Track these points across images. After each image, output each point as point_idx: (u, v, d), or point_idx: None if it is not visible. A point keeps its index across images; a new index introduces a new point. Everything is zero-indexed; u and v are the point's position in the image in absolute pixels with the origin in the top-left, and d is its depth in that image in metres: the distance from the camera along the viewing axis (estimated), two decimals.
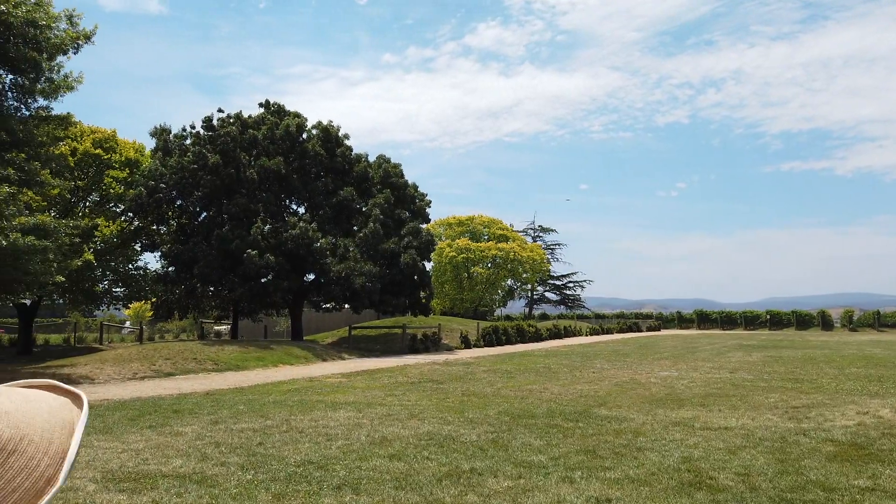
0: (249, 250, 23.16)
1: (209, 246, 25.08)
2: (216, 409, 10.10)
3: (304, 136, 27.59)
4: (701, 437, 7.52)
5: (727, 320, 61.46)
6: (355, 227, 27.41)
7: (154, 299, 27.48)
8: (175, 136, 26.24)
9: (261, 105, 28.32)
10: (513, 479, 5.74)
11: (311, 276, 26.94)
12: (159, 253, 25.67)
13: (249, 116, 27.44)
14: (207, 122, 25.98)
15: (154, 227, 26.49)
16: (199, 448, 7.16)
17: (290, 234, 24.10)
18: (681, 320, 62.60)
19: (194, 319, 35.03)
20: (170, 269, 25.57)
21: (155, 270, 26.44)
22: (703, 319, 62.00)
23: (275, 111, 28.00)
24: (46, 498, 0.85)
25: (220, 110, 26.53)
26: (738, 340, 34.67)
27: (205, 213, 26.67)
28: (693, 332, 53.56)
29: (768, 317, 60.71)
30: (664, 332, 53.79)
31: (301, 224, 24.35)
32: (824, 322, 58.24)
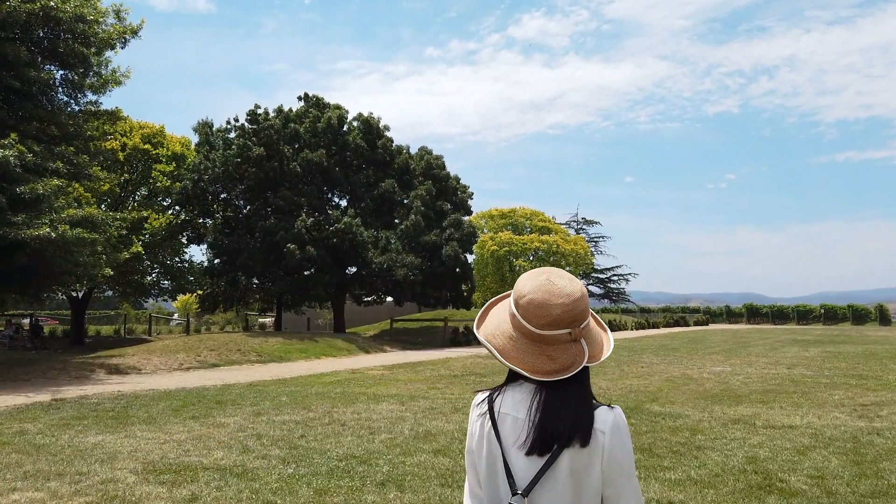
0: (290, 245, 23.24)
1: (253, 239, 25.29)
2: (259, 401, 10.03)
3: (345, 128, 27.56)
4: (765, 436, 7.05)
5: (778, 315, 59.50)
6: (396, 220, 27.29)
7: (200, 292, 27.92)
8: (218, 130, 26.52)
9: (299, 98, 28.38)
10: None
11: (353, 269, 26.95)
12: (205, 245, 26.01)
13: (290, 110, 27.54)
14: (252, 115, 26.18)
15: (199, 220, 26.87)
16: (240, 440, 7.04)
17: (334, 228, 24.11)
18: (729, 315, 60.89)
19: (238, 312, 35.53)
20: (215, 261, 25.88)
21: (200, 263, 26.84)
22: (753, 314, 60.17)
23: (313, 104, 28.02)
24: None
25: (257, 106, 26.66)
26: (792, 335, 33.41)
27: (249, 206, 26.91)
28: (743, 326, 52.00)
29: (822, 311, 58.55)
30: (712, 326, 52.38)
31: (346, 219, 24.33)
32: (882, 316, 55.84)
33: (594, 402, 1.49)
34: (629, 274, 68.51)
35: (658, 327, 46.29)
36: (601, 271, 67.32)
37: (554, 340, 1.47)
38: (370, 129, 27.68)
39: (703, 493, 4.96)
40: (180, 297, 38.93)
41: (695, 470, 5.62)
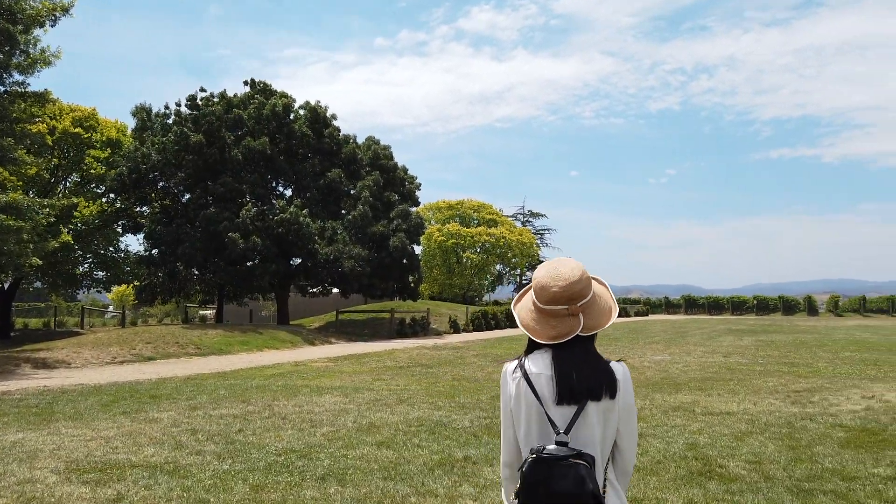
0: (232, 234, 22.58)
1: (194, 228, 24.49)
2: (196, 395, 9.66)
3: (291, 116, 26.93)
4: (704, 423, 7.18)
5: (714, 305, 61.50)
6: (343, 210, 26.89)
7: (137, 283, 26.86)
8: (157, 115, 25.49)
9: (246, 84, 27.61)
10: None
11: (299, 260, 26.42)
12: (141, 235, 25.03)
13: (235, 95, 26.73)
14: (191, 100, 25.27)
15: (136, 209, 25.83)
16: (174, 435, 6.73)
17: (278, 217, 23.54)
18: (668, 306, 62.61)
19: (178, 304, 34.41)
20: (152, 251, 24.93)
21: (137, 253, 25.81)
22: (691, 305, 62.03)
23: (261, 90, 27.30)
24: None
25: (202, 89, 25.80)
26: (727, 325, 34.58)
27: (189, 195, 26.02)
28: (681, 317, 53.55)
29: (755, 302, 60.81)
30: (652, 317, 53.76)
31: (291, 209, 23.79)
32: (810, 307, 58.43)
33: (601, 357, 1.91)
34: None
35: None
36: None
37: (555, 314, 1.90)
38: (317, 117, 27.14)
39: (646, 480, 4.98)
40: (116, 289, 37.47)
41: (637, 458, 5.64)
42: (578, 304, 1.89)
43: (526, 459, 1.82)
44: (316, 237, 24.49)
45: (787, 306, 59.03)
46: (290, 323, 27.46)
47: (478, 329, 29.53)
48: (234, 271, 23.63)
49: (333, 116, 27.79)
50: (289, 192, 27.57)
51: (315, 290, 28.89)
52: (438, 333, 27.17)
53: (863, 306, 57.46)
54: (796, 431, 6.64)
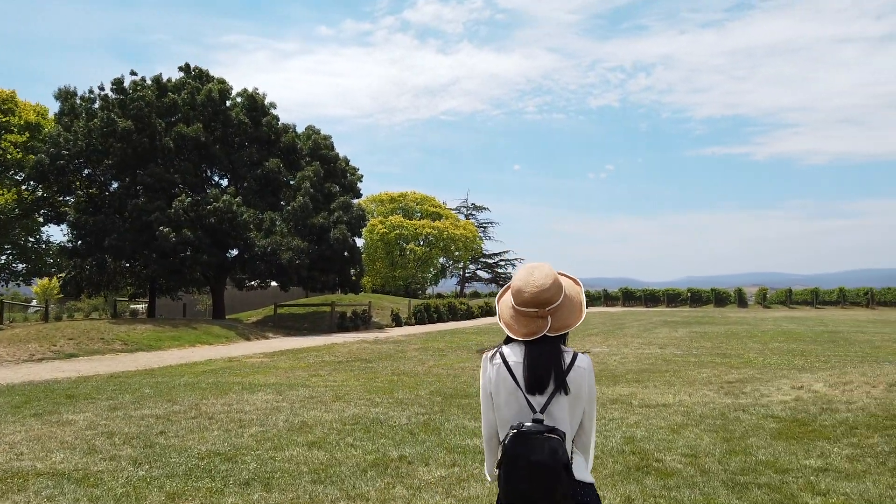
0: (162, 227, 21.62)
1: (122, 219, 23.36)
2: (118, 394, 9.11)
3: (228, 103, 25.98)
4: (641, 416, 7.19)
5: (650, 298, 63.20)
6: (282, 201, 26.17)
7: (63, 275, 25.48)
8: (82, 98, 24.13)
9: (181, 69, 26.43)
10: (446, 468, 5.18)
11: (235, 252, 25.59)
12: (65, 225, 23.70)
13: (169, 80, 25.57)
14: (118, 84, 23.98)
15: (59, 198, 24.46)
16: (87, 439, 6.26)
17: (212, 206, 22.68)
18: (606, 298, 63.97)
19: (106, 298, 32.90)
20: (78, 242, 23.66)
21: (60, 243, 24.45)
22: (628, 297, 63.56)
23: (196, 76, 26.21)
24: None
25: (133, 73, 24.55)
26: (663, 317, 35.51)
27: (117, 184, 24.81)
28: (619, 309, 54.80)
29: (689, 294, 62.78)
30: (591, 309, 54.80)
31: (225, 197, 22.95)
32: (740, 299, 60.75)
33: (571, 350, 2.18)
34: (516, 259, 70.39)
35: None
36: (489, 256, 68.66)
37: (527, 314, 2.17)
38: (255, 105, 26.27)
39: None
40: (39, 282, 35.51)
41: None
42: (547, 309, 2.15)
43: (507, 434, 2.08)
44: (252, 228, 23.74)
45: (719, 298, 61.20)
46: (227, 317, 26.61)
47: (420, 322, 29.35)
48: (166, 264, 22.66)
49: (272, 104, 26.99)
50: (225, 182, 26.65)
51: (253, 283, 28.09)
52: (380, 327, 26.85)
53: (789, 298, 60.12)
54: (730, 423, 6.70)
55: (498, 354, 2.18)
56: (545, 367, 2.10)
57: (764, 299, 60.67)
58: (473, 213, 69.25)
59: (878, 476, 4.73)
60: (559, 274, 2.25)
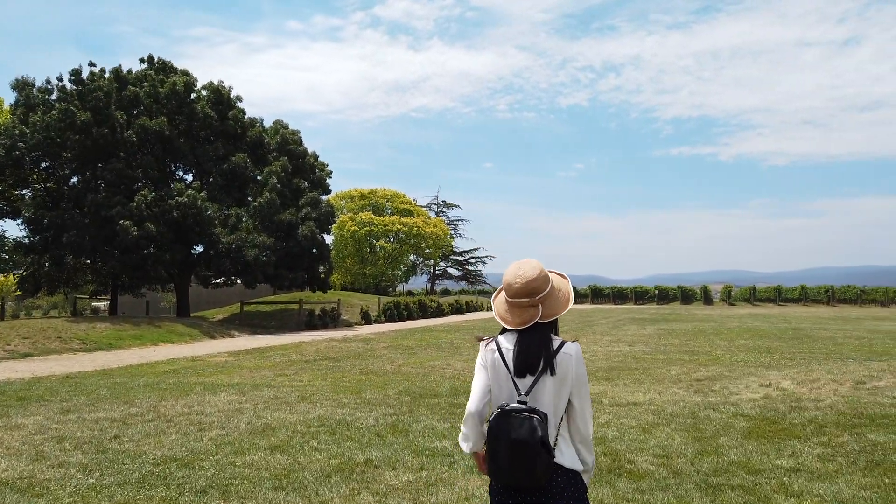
0: (123, 221, 20.99)
1: (82, 214, 22.66)
2: (72, 396, 8.74)
3: (193, 96, 25.35)
4: (612, 415, 7.11)
5: (618, 295, 63.85)
6: (249, 197, 25.65)
7: (22, 272, 24.63)
8: (39, 89, 23.30)
9: (143, 61, 25.72)
10: (414, 472, 5.00)
11: (200, 249, 25.01)
12: (21, 220, 22.87)
13: (129, 72, 24.85)
14: (76, 74, 23.21)
15: (15, 191, 23.61)
16: (36, 444, 5.94)
17: (175, 201, 22.10)
18: (575, 295, 64.39)
19: (66, 295, 31.96)
20: (35, 238, 22.86)
21: (16, 239, 23.61)
22: (597, 294, 64.13)
23: (160, 67, 25.53)
24: None
25: (91, 64, 23.78)
26: (631, 314, 35.83)
27: (76, 178, 24.04)
28: (587, 306, 55.21)
29: (657, 292, 63.56)
30: None
31: (189, 192, 22.38)
32: (706, 297, 61.71)
33: (559, 338, 2.33)
34: (486, 256, 70.48)
35: None
36: (460, 253, 68.61)
37: (518, 305, 2.34)
38: (220, 98, 25.67)
39: None
40: None
41: None
42: (537, 298, 2.33)
43: (492, 413, 2.26)
44: (217, 224, 23.22)
45: (686, 296, 62.10)
46: (192, 315, 26.03)
47: (390, 320, 29.11)
48: (128, 260, 22.00)
49: (238, 98, 26.42)
50: (190, 178, 26.02)
51: (218, 280, 27.53)
52: (349, 325, 26.54)
53: (753, 296, 61.28)
54: (700, 422, 6.66)
55: (493, 342, 2.38)
56: (535, 352, 2.27)
57: (729, 297, 61.74)
58: (444, 210, 69.13)
59: (849, 476, 4.69)
60: (549, 272, 2.45)
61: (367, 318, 27.91)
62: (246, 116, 26.41)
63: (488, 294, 60.71)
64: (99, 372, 11.71)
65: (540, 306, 2.33)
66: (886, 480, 4.56)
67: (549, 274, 2.41)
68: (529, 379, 2.25)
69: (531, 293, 2.32)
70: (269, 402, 8.21)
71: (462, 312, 38.29)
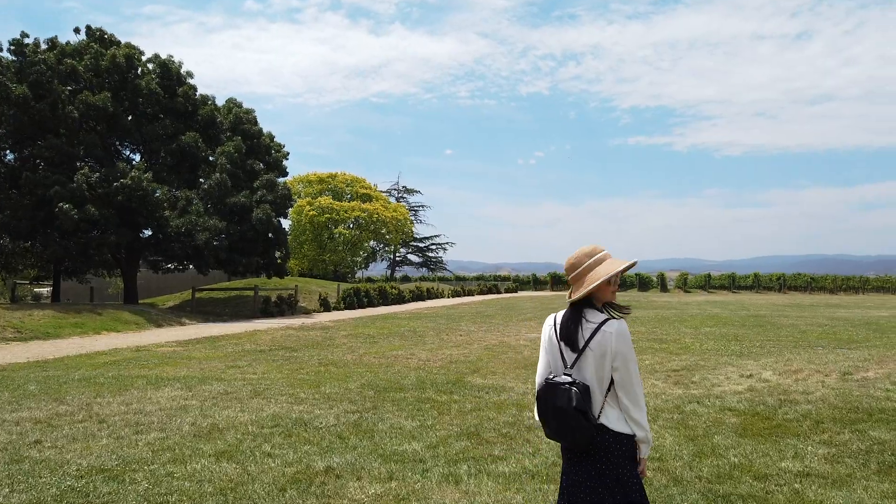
0: (63, 203, 19.65)
1: (20, 194, 21.19)
2: None
3: (139, 71, 23.93)
4: None
5: None
6: (201, 179, 24.44)
7: None
8: None
9: (77, 31, 24.06)
10: (382, 482, 4.38)
11: (149, 233, 23.75)
12: None
13: (68, 43, 23.29)
14: (17, 45, 21.61)
15: None
16: None
17: (119, 182, 20.81)
18: (536, 282, 64.55)
19: (4, 280, 30.17)
20: None
21: None
22: (557, 282, 64.32)
23: (98, 38, 23.97)
24: None
25: (24, 34, 22.08)
26: None
27: (12, 155, 22.48)
28: (548, 293, 55.26)
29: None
30: (521, 293, 55.06)
31: (134, 172, 21.10)
32: (663, 284, 62.56)
33: (604, 315, 2.52)
34: (447, 243, 70.02)
35: (473, 295, 47.51)
36: (420, 240, 67.96)
37: (568, 284, 2.69)
38: (168, 73, 24.32)
39: (543, 490, 4.20)
40: None
41: (529, 459, 4.88)
42: (570, 277, 2.59)
43: (540, 383, 2.54)
44: (166, 206, 22.02)
45: (643, 283, 62.80)
46: (141, 302, 24.78)
47: (350, 307, 28.32)
48: (69, 244, 20.67)
49: (189, 74, 25.09)
50: (138, 157, 24.64)
51: (169, 266, 26.26)
52: (307, 312, 25.67)
53: (708, 283, 62.33)
54: (688, 418, 6.21)
55: (552, 317, 2.64)
56: (567, 327, 2.52)
57: (685, 284, 62.68)
58: (405, 195, 68.28)
59: (866, 481, 4.26)
60: (608, 259, 2.60)
61: (325, 306, 27.07)
62: (197, 94, 25.13)
63: (449, 281, 60.24)
64: (32, 364, 10.72)
65: (573, 286, 2.59)
66: None
67: (602, 258, 2.57)
68: (574, 354, 2.48)
69: (568, 272, 2.61)
70: (218, 397, 7.47)
71: (423, 299, 37.71)
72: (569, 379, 2.42)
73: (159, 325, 18.72)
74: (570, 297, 2.55)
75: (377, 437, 5.55)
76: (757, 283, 61.48)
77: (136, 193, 20.89)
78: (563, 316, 2.55)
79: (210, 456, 5.01)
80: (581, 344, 2.45)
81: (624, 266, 2.52)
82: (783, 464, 4.65)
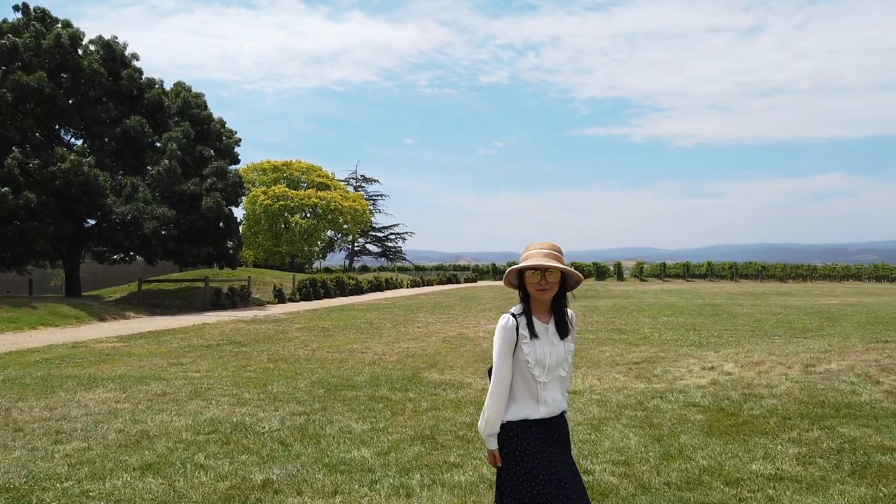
0: None
1: None
2: None
3: (81, 52, 22.71)
4: None
5: None
6: (147, 165, 23.40)
7: None
8: None
9: (16, 9, 22.72)
10: (325, 497, 3.97)
11: (93, 222, 22.64)
12: None
13: (5, 21, 21.95)
14: None
15: None
16: None
17: (58, 167, 19.72)
18: (495, 272, 64.58)
19: None
20: None
21: None
22: None
23: (39, 17, 22.66)
24: None
25: None
26: None
27: None
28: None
29: (572, 268, 64.74)
30: (480, 283, 54.97)
31: (73, 157, 20.01)
32: (619, 273, 63.34)
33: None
34: (406, 233, 69.51)
35: (432, 285, 47.16)
36: (379, 230, 67.27)
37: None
38: (112, 55, 23.15)
39: None
40: None
41: (487, 465, 4.53)
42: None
43: None
44: (109, 194, 20.99)
45: (600, 272, 63.44)
46: (84, 294, 23.66)
47: (306, 299, 27.64)
48: (3, 233, 19.52)
49: (135, 56, 23.94)
50: (80, 143, 23.44)
51: (116, 256, 25.14)
52: (261, 304, 24.92)
53: (663, 272, 63.36)
54: (652, 415, 5.96)
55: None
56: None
57: (641, 273, 63.58)
58: (363, 185, 67.43)
59: (841, 485, 4.03)
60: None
61: (280, 297, 26.34)
62: (143, 76, 24.01)
63: (408, 271, 59.77)
64: None
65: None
66: (885, 490, 3.93)
67: (525, 256, 2.63)
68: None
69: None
70: (154, 399, 6.92)
71: (382, 290, 37.17)
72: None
73: (102, 319, 17.81)
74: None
75: (324, 443, 5.13)
76: (710, 272, 62.76)
77: (77, 178, 19.82)
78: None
79: (134, 470, 4.52)
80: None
81: (518, 266, 2.56)
82: (754, 466, 4.41)
